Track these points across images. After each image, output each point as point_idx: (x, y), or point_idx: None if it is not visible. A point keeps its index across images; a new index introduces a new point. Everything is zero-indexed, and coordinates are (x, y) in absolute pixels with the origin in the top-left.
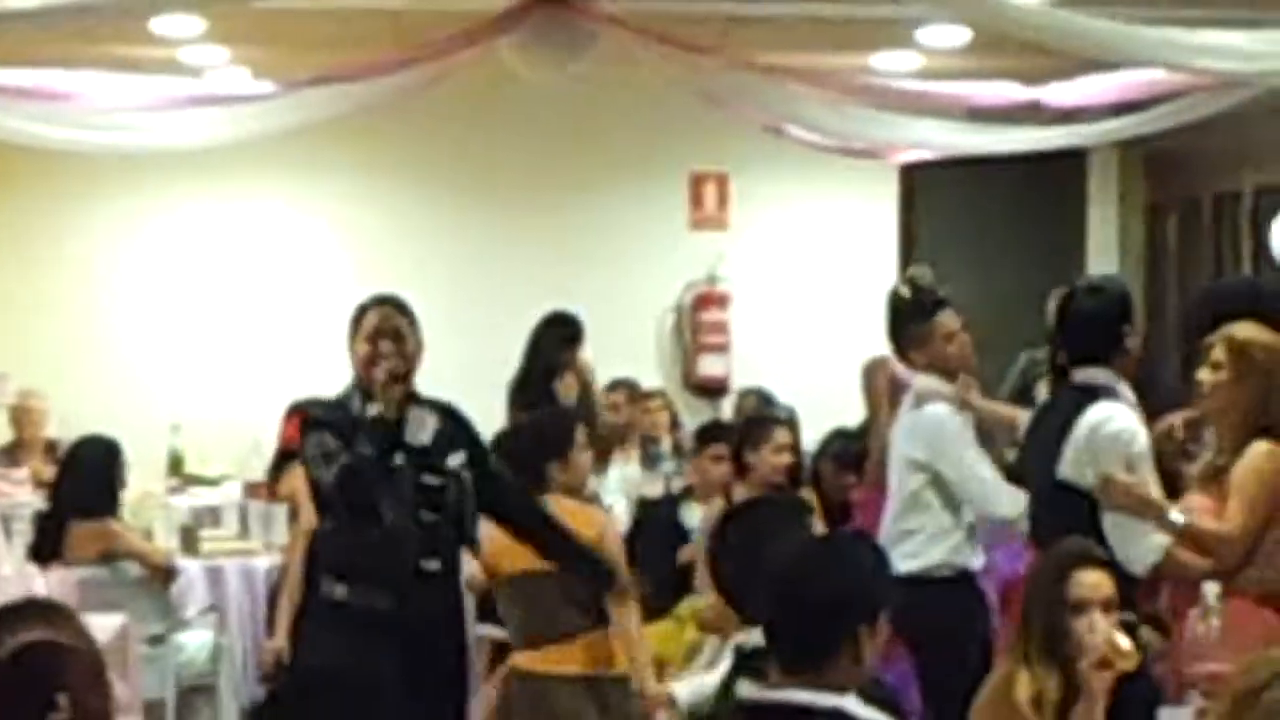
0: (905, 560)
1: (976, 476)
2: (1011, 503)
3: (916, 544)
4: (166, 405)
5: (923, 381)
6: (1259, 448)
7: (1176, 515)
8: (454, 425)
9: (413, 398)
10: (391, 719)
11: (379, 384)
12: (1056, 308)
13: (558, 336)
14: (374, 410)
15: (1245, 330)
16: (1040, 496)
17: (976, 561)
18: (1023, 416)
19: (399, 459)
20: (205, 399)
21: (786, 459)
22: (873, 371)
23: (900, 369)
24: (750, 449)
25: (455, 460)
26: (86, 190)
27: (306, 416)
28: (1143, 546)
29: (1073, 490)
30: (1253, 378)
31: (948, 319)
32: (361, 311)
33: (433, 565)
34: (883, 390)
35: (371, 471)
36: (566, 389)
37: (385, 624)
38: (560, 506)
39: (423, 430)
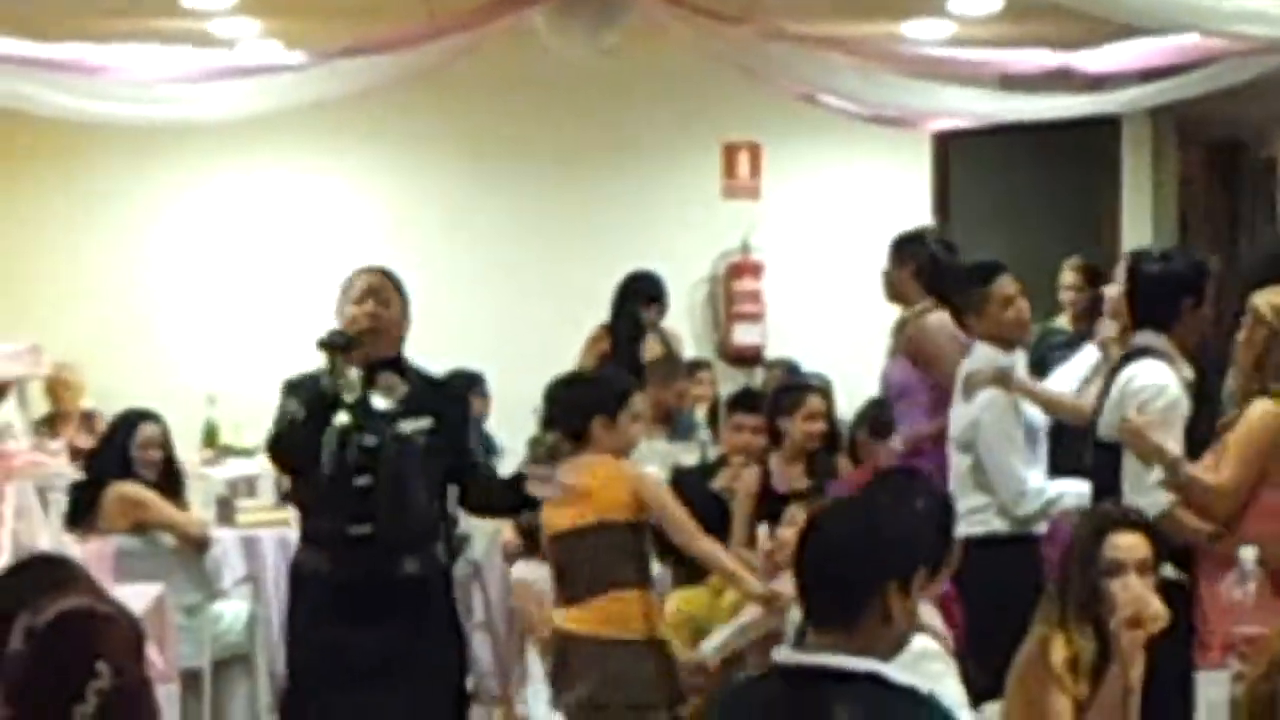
0: (975, 526)
1: (1003, 469)
2: (1032, 500)
3: (986, 515)
4: (202, 376)
5: (979, 356)
6: (1256, 406)
7: (1186, 468)
8: (428, 394)
9: (386, 364)
10: (361, 687)
11: (369, 341)
12: (1126, 271)
13: (637, 295)
14: (353, 373)
15: (1266, 293)
16: (1094, 456)
17: (1041, 526)
18: (1085, 403)
19: (342, 418)
20: (240, 370)
21: (819, 426)
22: (943, 335)
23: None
24: (783, 416)
25: (411, 425)
26: (121, 163)
27: (285, 382)
28: (1147, 500)
29: (1108, 448)
30: (1260, 337)
31: (1006, 283)
32: (349, 279)
33: (361, 530)
34: (957, 353)
35: (297, 432)
36: (649, 351)
37: (326, 586)
38: (593, 465)
39: (388, 395)
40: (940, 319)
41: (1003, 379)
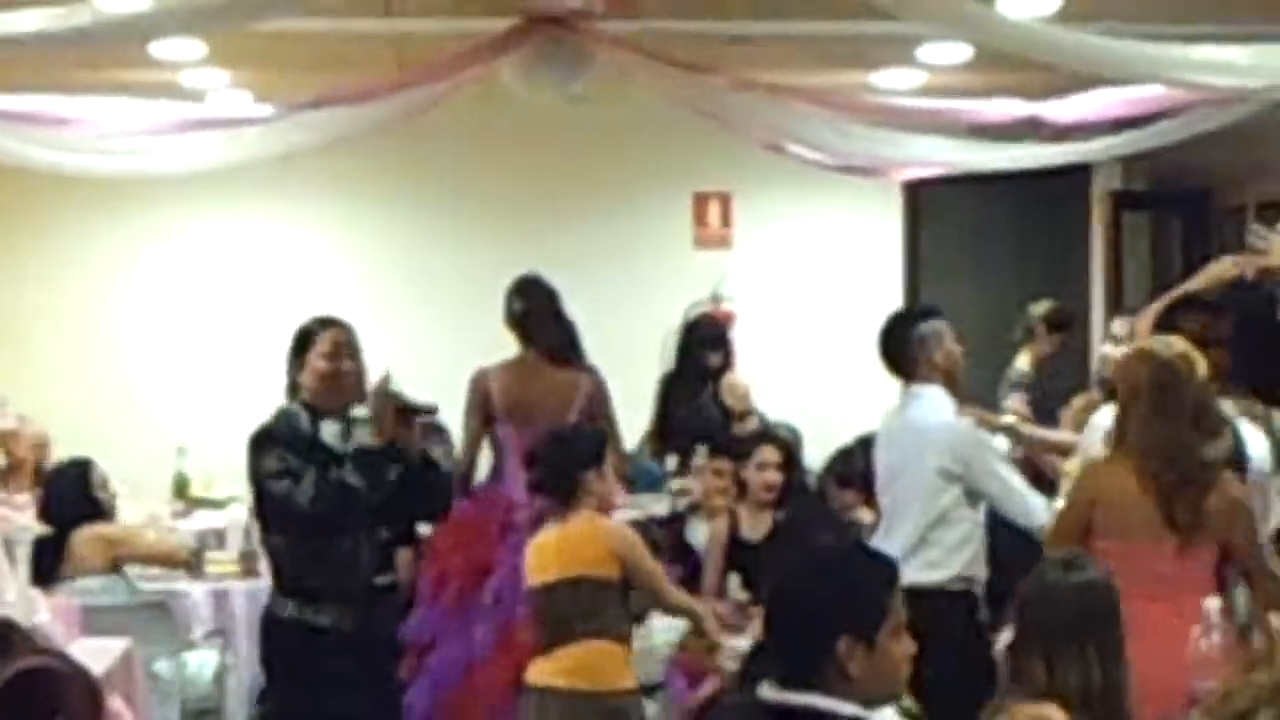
0: (925, 570)
1: (1011, 489)
2: (1045, 509)
3: (937, 554)
4: (171, 428)
5: (944, 401)
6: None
7: None
8: (390, 444)
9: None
10: None
11: (344, 396)
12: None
13: (700, 340)
14: (331, 428)
15: (1136, 345)
16: None
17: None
18: (1080, 439)
19: (354, 478)
20: (210, 422)
21: (771, 476)
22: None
23: None
24: (744, 466)
25: (394, 474)
26: (88, 213)
27: (258, 434)
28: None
29: None
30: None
31: (944, 324)
32: (310, 332)
33: (386, 579)
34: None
35: (347, 489)
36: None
37: (342, 643)
38: (593, 524)
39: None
40: None
41: (1013, 432)
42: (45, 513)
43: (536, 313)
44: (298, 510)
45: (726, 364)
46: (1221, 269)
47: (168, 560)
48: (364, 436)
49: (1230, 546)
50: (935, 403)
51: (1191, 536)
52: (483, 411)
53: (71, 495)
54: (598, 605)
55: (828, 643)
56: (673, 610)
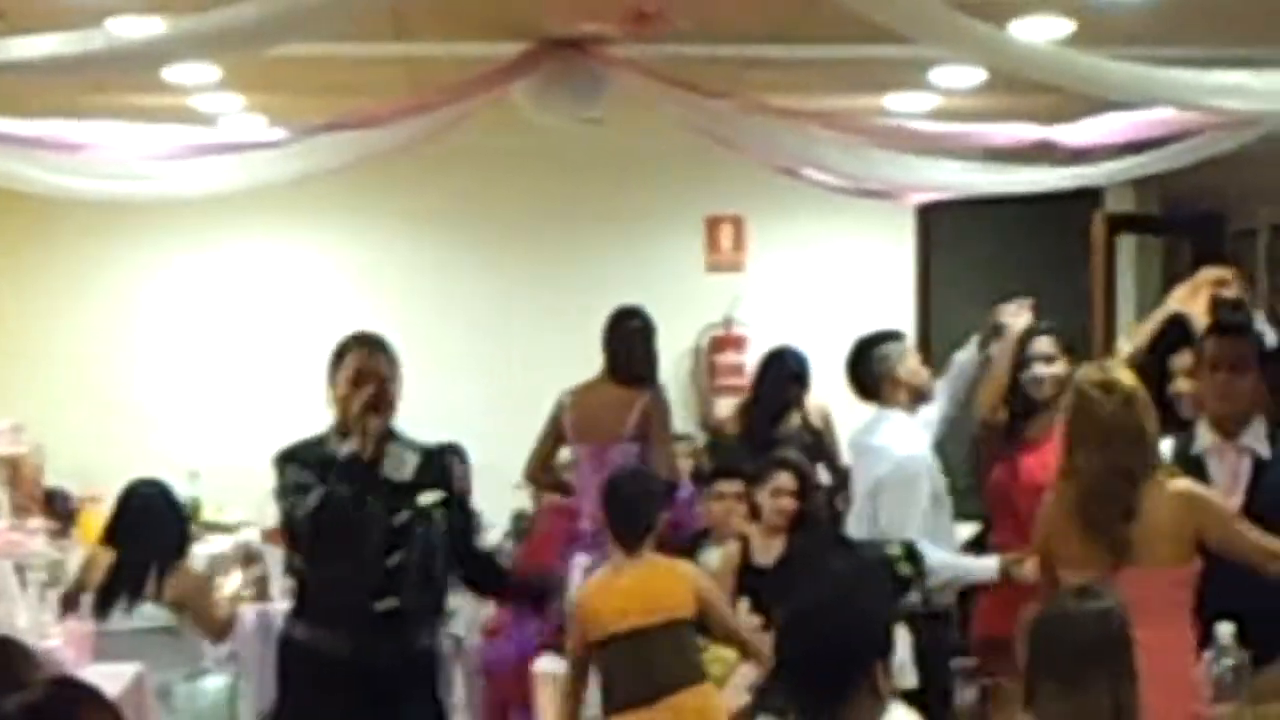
0: None
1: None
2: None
3: None
4: (183, 453)
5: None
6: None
7: None
8: (433, 465)
9: (392, 435)
10: None
11: (354, 415)
12: None
13: (781, 374)
14: (349, 447)
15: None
16: None
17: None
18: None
19: (371, 497)
20: (222, 446)
21: (785, 503)
22: None
23: None
24: (757, 491)
25: (428, 498)
26: (100, 238)
27: (280, 452)
28: None
29: None
30: None
31: (906, 346)
32: (342, 351)
33: (387, 605)
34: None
35: (345, 508)
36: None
37: (342, 670)
38: (672, 568)
39: (402, 467)
40: None
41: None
42: (114, 535)
43: (612, 337)
44: (297, 524)
45: (804, 389)
46: (1205, 278)
47: (213, 625)
48: (394, 468)
49: (1210, 544)
50: (900, 429)
51: (1123, 560)
52: (553, 434)
53: (171, 524)
54: (683, 647)
55: (866, 669)
56: (744, 648)
